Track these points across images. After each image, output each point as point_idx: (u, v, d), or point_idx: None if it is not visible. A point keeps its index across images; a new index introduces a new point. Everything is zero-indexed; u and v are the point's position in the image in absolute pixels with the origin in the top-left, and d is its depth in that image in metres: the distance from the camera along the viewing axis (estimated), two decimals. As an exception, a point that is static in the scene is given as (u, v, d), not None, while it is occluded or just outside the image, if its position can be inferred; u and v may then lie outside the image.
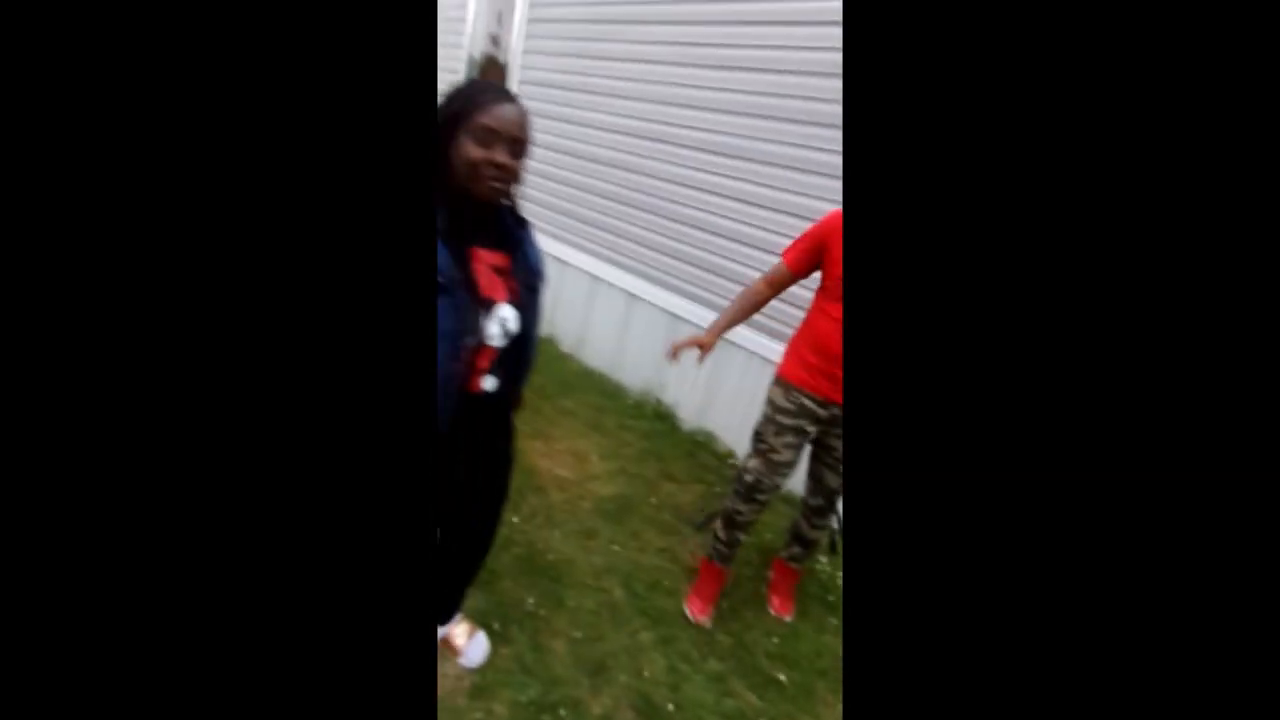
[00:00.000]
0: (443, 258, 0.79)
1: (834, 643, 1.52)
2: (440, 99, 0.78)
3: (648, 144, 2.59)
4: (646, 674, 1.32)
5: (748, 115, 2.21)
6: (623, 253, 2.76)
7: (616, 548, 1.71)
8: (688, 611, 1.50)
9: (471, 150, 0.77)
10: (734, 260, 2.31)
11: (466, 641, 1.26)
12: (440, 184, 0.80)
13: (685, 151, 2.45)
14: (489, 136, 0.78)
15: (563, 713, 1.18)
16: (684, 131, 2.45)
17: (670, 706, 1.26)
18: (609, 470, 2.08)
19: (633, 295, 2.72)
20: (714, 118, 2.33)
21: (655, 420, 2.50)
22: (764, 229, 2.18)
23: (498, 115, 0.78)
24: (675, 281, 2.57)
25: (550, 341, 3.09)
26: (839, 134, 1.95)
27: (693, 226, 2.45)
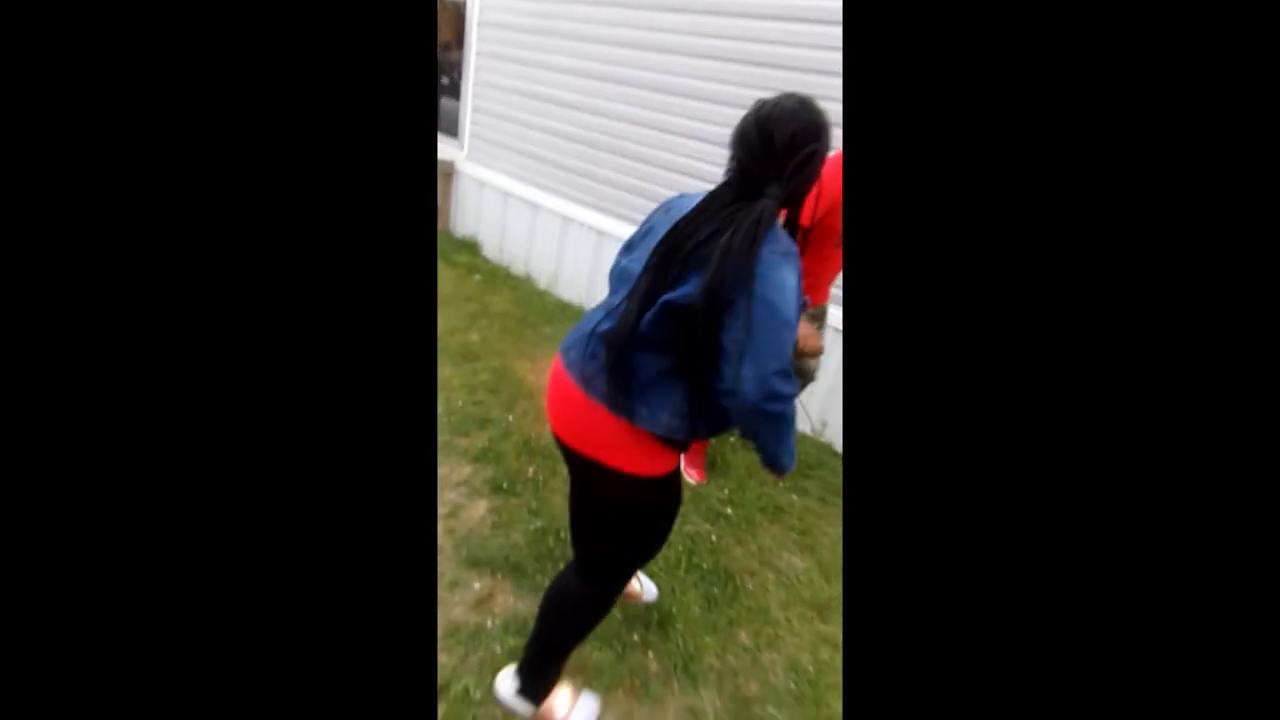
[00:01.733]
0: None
1: (773, 494, 1.94)
2: (801, 122, 0.80)
3: (610, 86, 2.79)
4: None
5: (696, 56, 2.43)
6: (590, 193, 2.99)
7: (598, 435, 2.08)
8: (690, 478, 1.91)
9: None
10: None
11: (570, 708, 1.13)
12: (794, 216, 0.88)
13: (643, 93, 2.67)
14: None
15: (563, 534, 1.57)
16: (641, 74, 2.66)
17: (644, 533, 1.66)
18: (588, 380, 2.43)
19: (601, 232, 2.99)
20: (666, 59, 2.55)
21: (627, 341, 2.84)
22: (718, 164, 2.46)
23: None
24: (639, 217, 2.84)
25: (528, 279, 3.36)
26: (773, 71, 2.21)
27: (653, 165, 2.71)
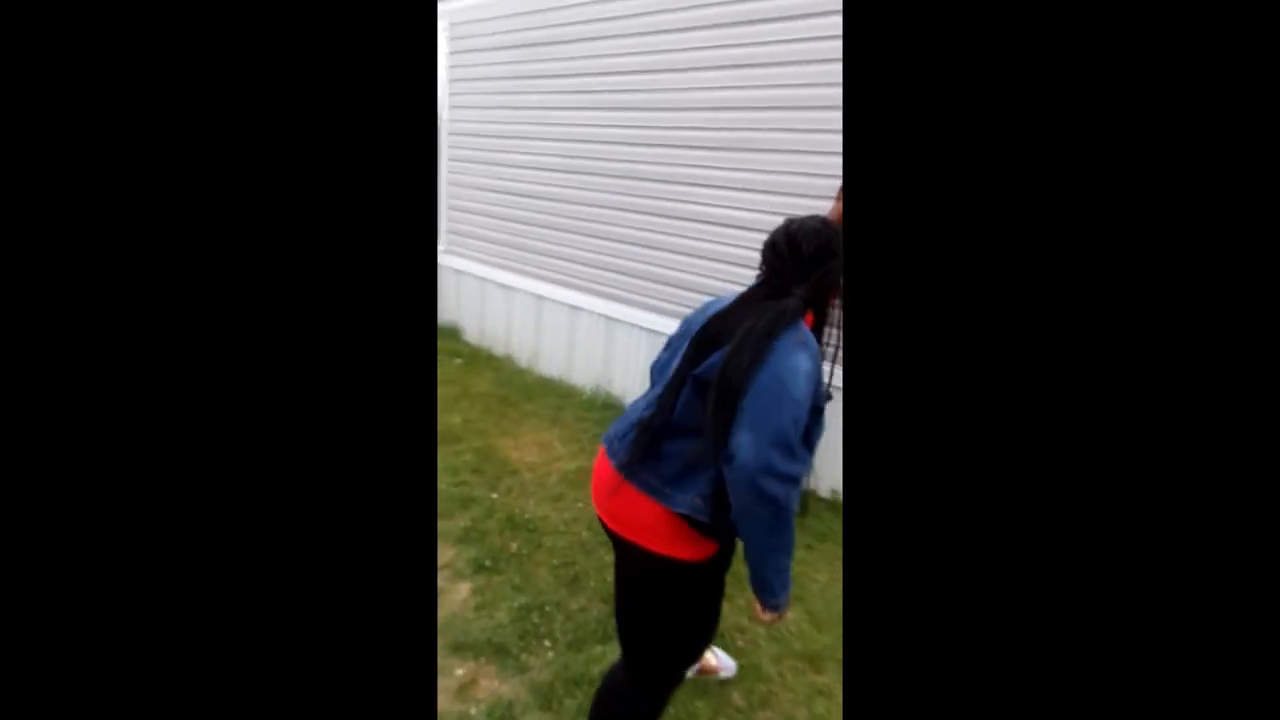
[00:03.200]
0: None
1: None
2: (824, 239, 0.90)
3: (570, 176, 3.04)
4: (609, 579, 1.70)
5: (643, 145, 2.69)
6: (561, 272, 3.17)
7: (580, 504, 2.09)
8: None
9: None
10: (658, 266, 2.76)
11: None
12: (823, 310, 0.95)
13: (603, 180, 2.91)
14: None
15: (548, 608, 1.55)
16: (599, 163, 2.92)
17: (631, 599, 1.64)
18: (570, 452, 2.47)
19: (574, 308, 3.13)
20: (621, 149, 2.81)
21: (605, 409, 2.90)
22: (680, 236, 2.65)
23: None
24: (610, 290, 3.00)
25: (510, 358, 3.46)
26: (716, 153, 2.45)
27: (618, 241, 2.90)
